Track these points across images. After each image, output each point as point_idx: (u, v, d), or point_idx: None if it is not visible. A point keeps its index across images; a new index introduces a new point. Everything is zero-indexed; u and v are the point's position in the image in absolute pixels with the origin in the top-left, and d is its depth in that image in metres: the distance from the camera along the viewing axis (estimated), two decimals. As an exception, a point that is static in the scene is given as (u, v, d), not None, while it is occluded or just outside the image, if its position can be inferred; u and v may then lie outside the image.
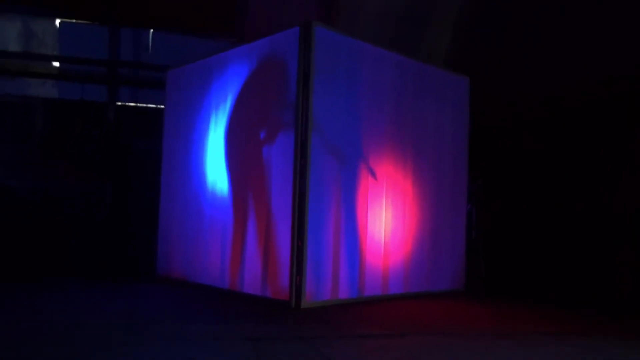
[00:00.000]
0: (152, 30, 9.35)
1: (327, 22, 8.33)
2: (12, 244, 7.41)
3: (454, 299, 5.58)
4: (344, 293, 4.91)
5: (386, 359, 3.08)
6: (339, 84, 4.96)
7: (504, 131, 7.97)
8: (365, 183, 5.11)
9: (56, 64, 9.00)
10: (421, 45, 8.45)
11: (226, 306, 4.68)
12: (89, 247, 7.67)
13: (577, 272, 6.50)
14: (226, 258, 5.33)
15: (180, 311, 4.44)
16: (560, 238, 6.78)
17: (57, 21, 8.95)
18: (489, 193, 7.06)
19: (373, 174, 5.19)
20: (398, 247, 5.43)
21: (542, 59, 7.28)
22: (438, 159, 5.85)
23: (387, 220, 5.31)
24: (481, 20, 7.84)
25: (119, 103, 8.99)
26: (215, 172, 5.61)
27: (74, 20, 9.05)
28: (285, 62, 4.91)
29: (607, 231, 6.19)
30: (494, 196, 7.06)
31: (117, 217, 8.01)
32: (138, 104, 9.21)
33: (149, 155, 7.14)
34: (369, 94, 5.20)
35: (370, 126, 5.20)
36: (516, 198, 7.31)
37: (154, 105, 9.05)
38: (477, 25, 7.89)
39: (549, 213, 7.24)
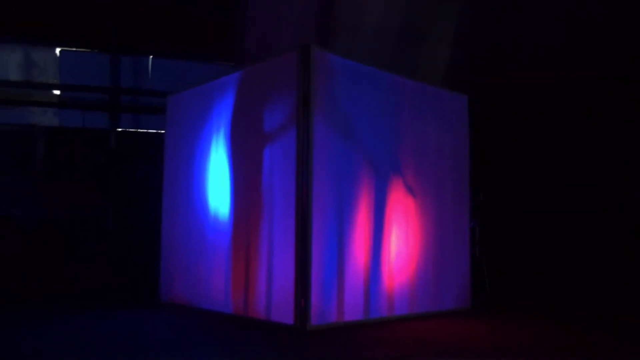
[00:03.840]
0: (151, 56, 9.43)
1: (325, 42, 8.40)
2: (15, 271, 7.40)
3: (460, 317, 5.53)
4: (350, 315, 4.88)
5: (393, 382, 3.04)
6: (339, 106, 4.98)
7: (504, 147, 8.01)
8: (366, 202, 5.10)
9: (57, 92, 9.07)
10: (421, 60, 8.53)
11: (230, 332, 4.64)
12: (90, 274, 7.64)
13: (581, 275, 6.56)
14: (229, 282, 5.31)
15: (182, 340, 4.37)
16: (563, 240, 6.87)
17: (57, 50, 9.04)
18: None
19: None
20: (402, 267, 5.39)
21: (537, 67, 7.37)
22: (439, 177, 5.85)
23: (390, 239, 5.29)
24: (479, 33, 7.94)
25: (120, 129, 9.04)
26: (217, 197, 5.61)
27: (74, 49, 9.14)
28: (285, 86, 4.94)
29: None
30: (494, 195, 7.11)
31: (119, 243, 8.00)
32: (139, 130, 9.26)
33: (151, 180, 7.15)
34: (368, 115, 5.22)
35: (371, 146, 5.21)
36: (516, 198, 7.36)
37: (154, 131, 9.10)
38: (475, 39, 7.99)
39: (550, 213, 7.29)
